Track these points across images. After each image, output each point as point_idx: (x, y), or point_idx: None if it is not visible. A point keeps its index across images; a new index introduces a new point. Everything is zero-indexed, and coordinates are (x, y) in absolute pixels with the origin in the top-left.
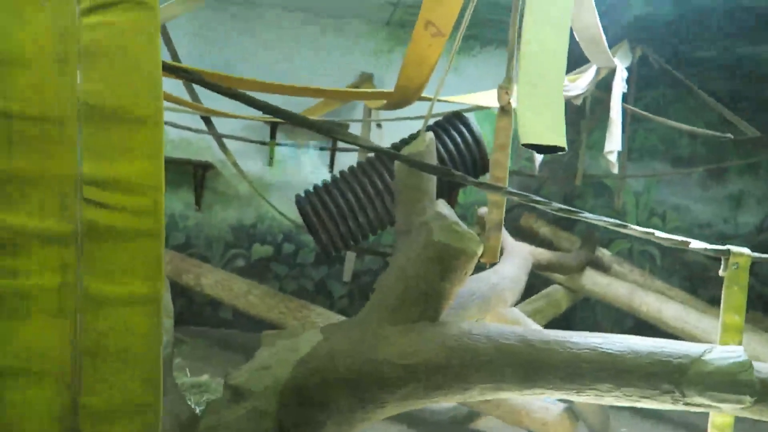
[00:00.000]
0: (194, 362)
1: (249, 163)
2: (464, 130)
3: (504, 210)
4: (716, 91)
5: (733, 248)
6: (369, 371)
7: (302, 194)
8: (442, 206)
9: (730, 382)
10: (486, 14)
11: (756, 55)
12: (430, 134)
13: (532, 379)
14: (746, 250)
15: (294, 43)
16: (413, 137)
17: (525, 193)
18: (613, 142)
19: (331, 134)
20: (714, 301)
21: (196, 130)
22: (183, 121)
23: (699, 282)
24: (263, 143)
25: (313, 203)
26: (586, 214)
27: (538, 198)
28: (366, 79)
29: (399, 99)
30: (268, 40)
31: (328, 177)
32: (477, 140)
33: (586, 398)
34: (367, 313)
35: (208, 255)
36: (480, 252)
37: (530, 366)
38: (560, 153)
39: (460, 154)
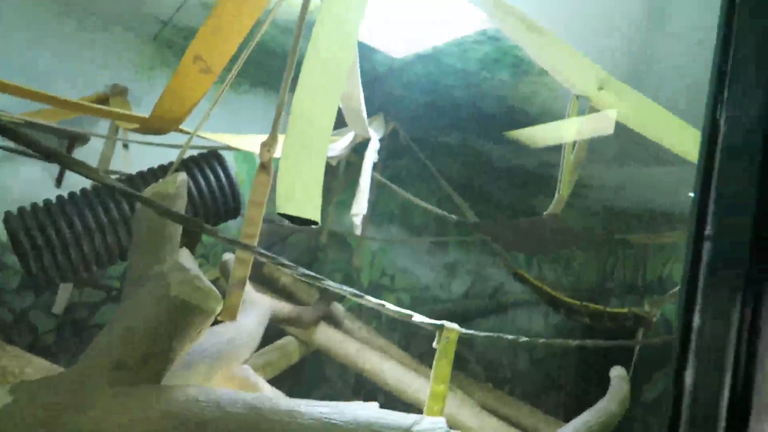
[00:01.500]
0: None
1: None
2: (220, 171)
3: (249, 268)
4: (451, 174)
5: (447, 324)
6: None
7: (14, 212)
8: (185, 257)
9: None
10: (260, 56)
11: (486, 151)
12: (183, 175)
13: None
14: (455, 326)
15: (42, 33)
16: (163, 170)
17: (274, 256)
18: (360, 205)
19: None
20: (422, 357)
21: None
22: None
23: (413, 338)
24: None
25: (28, 225)
26: (329, 283)
27: (285, 262)
28: (119, 92)
29: (153, 127)
30: (9, 21)
31: (53, 194)
32: (232, 184)
33: None
34: (80, 369)
35: None
36: (219, 310)
37: None
38: (312, 227)
39: (212, 197)
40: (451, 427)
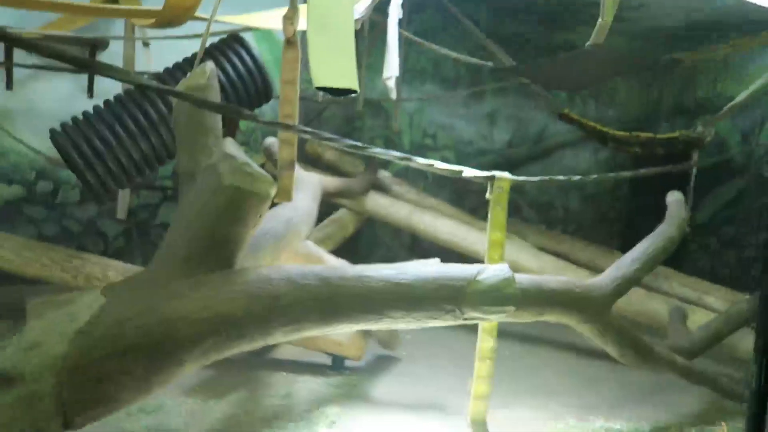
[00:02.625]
0: None
1: None
2: (245, 55)
3: (296, 148)
4: (480, 20)
5: (497, 174)
6: (164, 332)
7: (59, 128)
8: (230, 145)
9: (498, 297)
10: None
11: None
12: (211, 65)
13: (333, 317)
14: (507, 175)
15: None
16: (189, 62)
17: (317, 131)
18: (392, 68)
19: (88, 69)
20: (474, 211)
21: None
22: None
23: (463, 194)
24: None
25: (75, 139)
26: (375, 149)
27: (329, 135)
28: None
29: (169, 18)
30: None
31: (87, 105)
32: (259, 67)
33: (381, 326)
34: (156, 267)
35: None
36: (273, 193)
37: (331, 304)
38: (352, 95)
39: (242, 82)
40: (512, 271)
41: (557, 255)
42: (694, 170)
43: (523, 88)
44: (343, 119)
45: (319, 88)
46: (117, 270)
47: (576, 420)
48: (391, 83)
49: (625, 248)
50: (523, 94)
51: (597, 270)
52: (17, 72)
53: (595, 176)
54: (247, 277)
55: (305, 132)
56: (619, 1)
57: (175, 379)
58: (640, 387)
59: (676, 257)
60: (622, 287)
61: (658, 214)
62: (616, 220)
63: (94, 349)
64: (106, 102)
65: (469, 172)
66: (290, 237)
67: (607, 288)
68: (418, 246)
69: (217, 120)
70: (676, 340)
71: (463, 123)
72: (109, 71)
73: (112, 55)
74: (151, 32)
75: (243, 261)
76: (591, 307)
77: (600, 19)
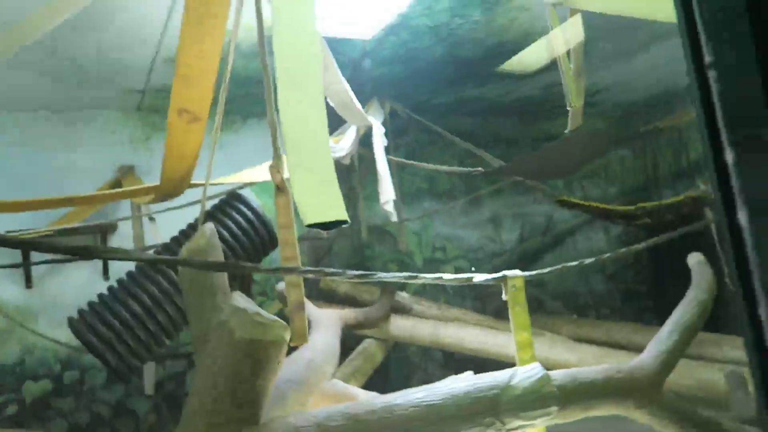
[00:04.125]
0: None
1: (0, 290)
2: (244, 209)
3: (303, 289)
4: (460, 129)
5: (509, 273)
6: None
7: (76, 316)
8: (238, 298)
9: (537, 398)
10: (239, 89)
11: (485, 95)
12: (210, 226)
13: None
14: (518, 272)
15: (37, 144)
16: (193, 227)
17: (318, 269)
18: (386, 192)
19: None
20: (499, 314)
21: None
22: None
23: (486, 298)
24: (15, 266)
25: (92, 324)
26: (381, 274)
27: (331, 270)
28: (127, 171)
29: (167, 192)
30: (4, 144)
31: (104, 287)
32: (259, 216)
33: None
34: None
35: None
36: (288, 337)
37: None
38: (344, 226)
39: (246, 235)
40: (547, 368)
41: (594, 342)
42: (713, 227)
43: (518, 185)
44: (351, 251)
45: (310, 226)
46: None
47: None
48: (390, 207)
49: (661, 321)
50: (520, 191)
51: (639, 349)
52: (34, 270)
53: (608, 255)
54: (275, 430)
55: (307, 271)
56: (584, 87)
57: None
58: None
59: (721, 319)
60: (668, 362)
61: (685, 279)
62: (645, 294)
63: None
64: (119, 281)
65: (479, 277)
66: (314, 379)
67: (651, 367)
68: (452, 360)
69: (222, 277)
70: (740, 409)
71: (467, 231)
72: (115, 254)
73: (123, 235)
74: (154, 207)
75: (268, 413)
76: (638, 390)
77: (568, 107)
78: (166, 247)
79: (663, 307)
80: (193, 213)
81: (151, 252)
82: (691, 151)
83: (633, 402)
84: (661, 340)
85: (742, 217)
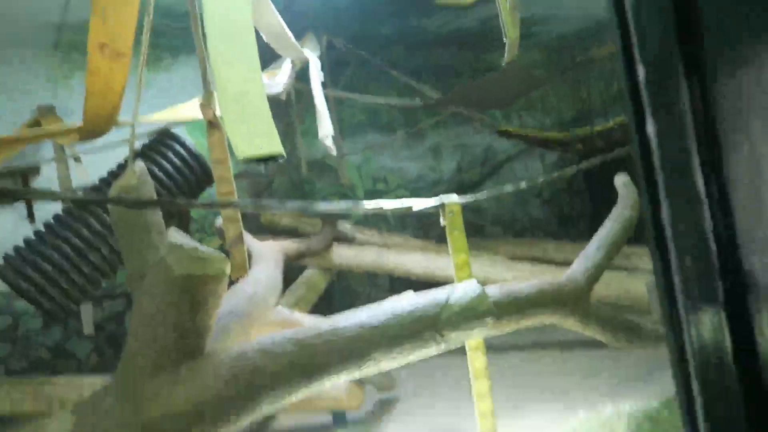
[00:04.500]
0: None
1: None
2: (176, 146)
3: (241, 223)
4: (399, 62)
5: (445, 199)
6: None
7: (2, 261)
8: (175, 235)
9: (474, 313)
10: (165, 23)
11: (422, 27)
12: (140, 164)
13: (315, 375)
14: (455, 197)
15: None
16: (122, 167)
17: (254, 201)
18: (325, 127)
19: (20, 198)
20: (441, 239)
21: None
22: None
23: (428, 226)
24: None
25: (21, 269)
26: (322, 206)
27: (268, 203)
28: (46, 112)
29: (91, 131)
30: None
31: (30, 232)
32: (192, 153)
33: (367, 371)
34: (124, 375)
35: None
36: (228, 270)
37: (310, 363)
38: (281, 161)
39: (179, 173)
40: (484, 285)
41: (532, 261)
42: None
43: (458, 116)
44: (291, 186)
45: (244, 160)
46: (93, 387)
47: (586, 412)
48: (329, 142)
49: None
50: (460, 122)
51: None
52: None
53: (542, 179)
54: (219, 359)
55: (243, 205)
56: (521, 18)
57: None
58: (640, 365)
59: (643, 235)
60: (594, 275)
61: (616, 201)
62: (580, 216)
63: None
64: (46, 224)
65: (418, 204)
66: (257, 310)
67: (579, 279)
68: (398, 286)
69: (157, 215)
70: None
71: (408, 162)
72: (41, 195)
73: (48, 178)
74: (79, 147)
75: (212, 345)
76: (568, 301)
77: (505, 38)
78: (94, 188)
79: (596, 228)
80: (123, 153)
81: (79, 193)
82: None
83: (563, 312)
84: (588, 255)
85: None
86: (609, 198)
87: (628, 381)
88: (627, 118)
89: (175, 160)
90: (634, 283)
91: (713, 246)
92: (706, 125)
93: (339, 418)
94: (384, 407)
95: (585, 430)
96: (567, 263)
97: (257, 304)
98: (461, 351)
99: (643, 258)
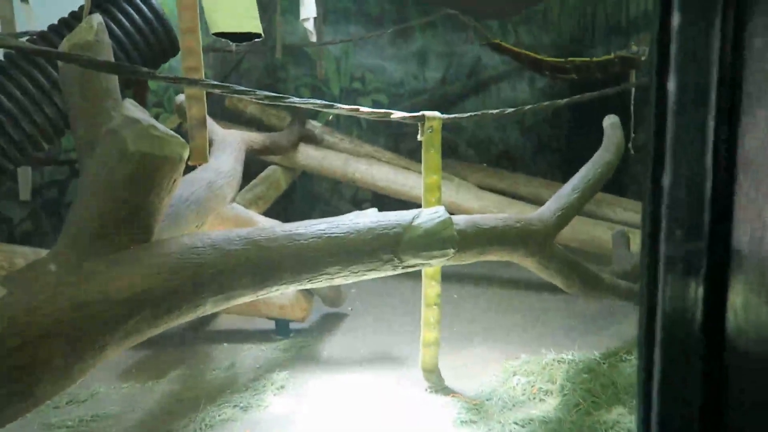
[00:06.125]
0: None
1: None
2: (140, 4)
3: (205, 105)
4: None
5: (427, 114)
6: (79, 317)
7: None
8: (131, 107)
9: (437, 241)
10: None
11: None
12: (98, 18)
13: (266, 280)
14: (437, 114)
15: None
16: (76, 17)
17: (225, 84)
18: (308, 8)
19: None
20: (412, 154)
21: None
22: None
23: (400, 137)
24: None
25: None
26: (294, 99)
27: (239, 88)
28: None
29: None
30: None
31: None
32: (158, 15)
33: (319, 284)
34: (63, 249)
35: None
36: (186, 155)
37: (261, 267)
38: (257, 40)
39: (141, 35)
40: (451, 212)
41: (500, 192)
42: (634, 91)
43: (452, 20)
44: (263, 70)
45: (217, 35)
46: (25, 256)
47: (528, 355)
48: (310, 25)
49: (566, 178)
50: (452, 28)
51: (542, 203)
52: None
53: (530, 107)
54: (167, 249)
55: (213, 86)
56: None
57: (98, 364)
58: (589, 315)
59: (619, 182)
60: (564, 217)
61: (599, 140)
62: (558, 150)
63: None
64: None
65: (397, 114)
66: (213, 201)
67: (548, 220)
68: (361, 197)
69: (113, 81)
70: (620, 265)
71: (392, 63)
72: None
73: None
74: None
75: (162, 232)
76: (533, 241)
77: None
78: (42, 37)
79: (572, 165)
80: (79, 1)
81: (24, 40)
82: (631, 8)
83: (526, 251)
84: (562, 196)
85: (671, 85)
86: (591, 136)
87: (576, 330)
88: (651, 68)
89: (137, 18)
90: (601, 230)
91: (707, 218)
92: (732, 94)
93: (282, 327)
94: (329, 322)
95: (523, 372)
96: (535, 200)
97: (214, 194)
98: (416, 275)
99: (613, 207)
